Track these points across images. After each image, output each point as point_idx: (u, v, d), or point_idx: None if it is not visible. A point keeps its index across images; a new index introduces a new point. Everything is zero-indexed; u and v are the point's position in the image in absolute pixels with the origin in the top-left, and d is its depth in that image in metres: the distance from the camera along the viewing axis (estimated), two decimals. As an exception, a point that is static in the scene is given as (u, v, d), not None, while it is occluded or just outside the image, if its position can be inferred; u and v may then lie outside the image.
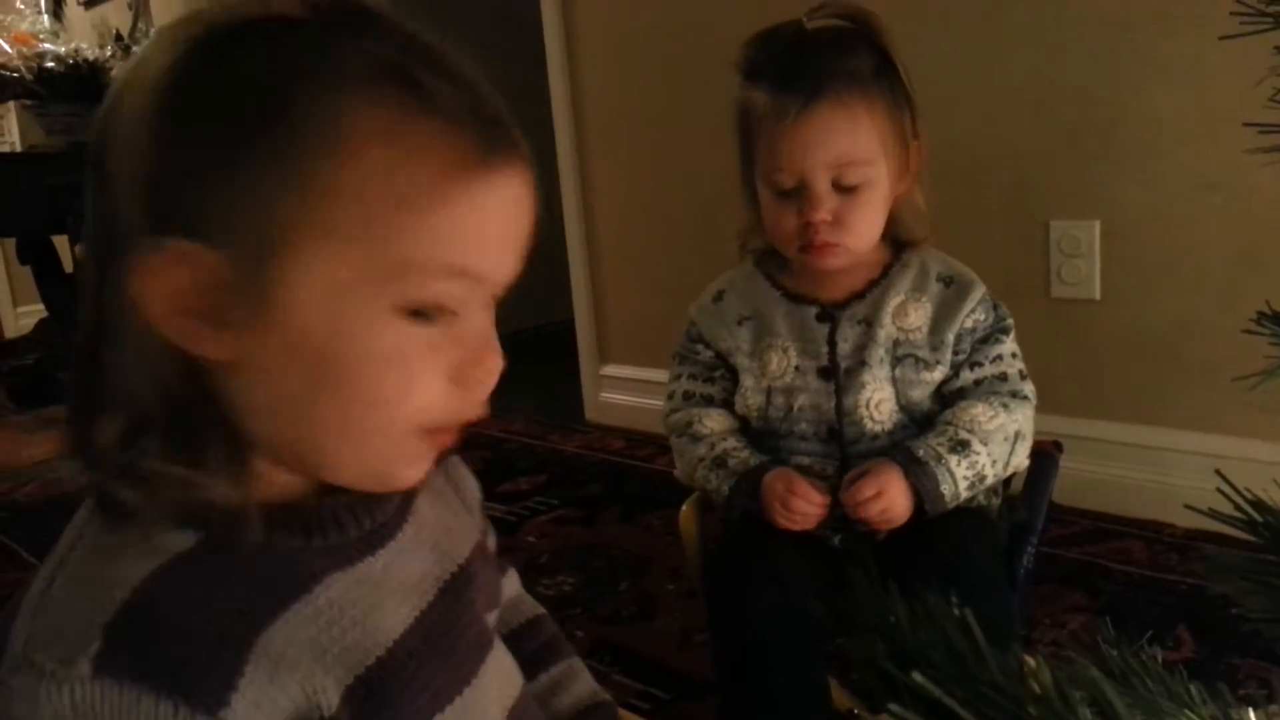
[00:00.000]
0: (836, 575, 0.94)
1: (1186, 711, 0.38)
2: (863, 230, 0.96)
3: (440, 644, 0.52)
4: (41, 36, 3.00)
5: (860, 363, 0.99)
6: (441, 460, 0.58)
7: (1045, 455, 1.01)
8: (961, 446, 0.93)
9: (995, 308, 1.01)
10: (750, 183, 1.01)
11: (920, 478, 0.91)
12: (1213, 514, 0.43)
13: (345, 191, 0.43)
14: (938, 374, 0.99)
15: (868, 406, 0.98)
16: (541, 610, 0.74)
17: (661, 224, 2.11)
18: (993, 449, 0.94)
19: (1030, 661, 0.38)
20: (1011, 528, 0.98)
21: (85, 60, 2.95)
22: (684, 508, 1.06)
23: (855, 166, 0.93)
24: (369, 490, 0.50)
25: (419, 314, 0.46)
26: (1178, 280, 1.47)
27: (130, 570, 0.42)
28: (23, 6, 3.12)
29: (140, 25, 3.04)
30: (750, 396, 1.03)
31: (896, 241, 1.03)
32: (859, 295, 1.02)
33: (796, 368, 1.01)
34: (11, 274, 3.87)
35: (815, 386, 1.00)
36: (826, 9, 0.96)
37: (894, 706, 0.28)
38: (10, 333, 3.65)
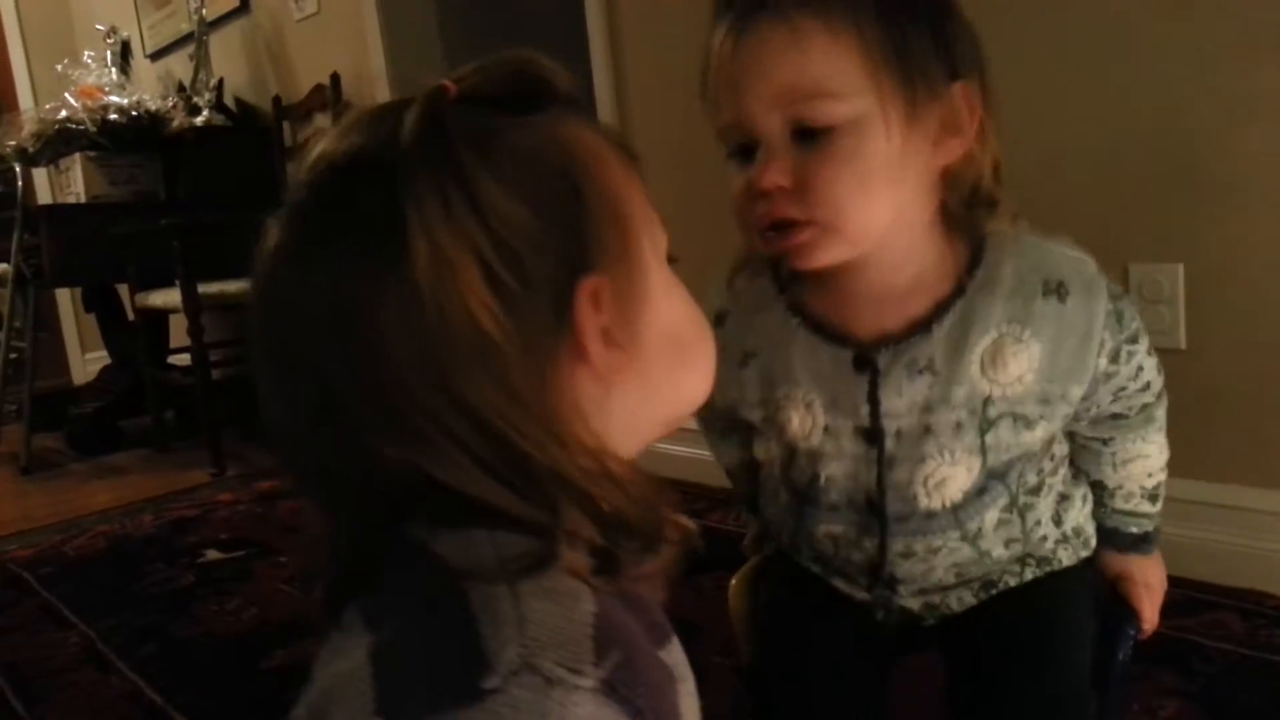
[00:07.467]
0: (890, 656, 0.84)
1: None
2: (843, 200, 0.66)
3: None
4: (107, 89, 3.09)
5: (924, 429, 0.73)
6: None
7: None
8: (1154, 499, 0.83)
9: (1120, 314, 0.72)
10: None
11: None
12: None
13: (627, 193, 0.50)
14: (1040, 432, 0.73)
15: (925, 484, 0.74)
16: None
17: (709, 235, 2.05)
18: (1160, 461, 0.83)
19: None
20: (1105, 611, 0.83)
21: (147, 111, 3.02)
22: (733, 582, 0.96)
23: (815, 101, 0.65)
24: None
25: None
26: (1272, 328, 1.35)
27: (579, 592, 0.41)
28: (90, 61, 3.21)
29: (201, 76, 3.10)
30: (770, 448, 0.82)
31: (974, 237, 0.72)
32: (921, 327, 0.71)
33: (826, 429, 0.75)
34: (80, 321, 3.96)
35: (852, 452, 0.75)
36: None
37: None
38: (78, 379, 3.72)
